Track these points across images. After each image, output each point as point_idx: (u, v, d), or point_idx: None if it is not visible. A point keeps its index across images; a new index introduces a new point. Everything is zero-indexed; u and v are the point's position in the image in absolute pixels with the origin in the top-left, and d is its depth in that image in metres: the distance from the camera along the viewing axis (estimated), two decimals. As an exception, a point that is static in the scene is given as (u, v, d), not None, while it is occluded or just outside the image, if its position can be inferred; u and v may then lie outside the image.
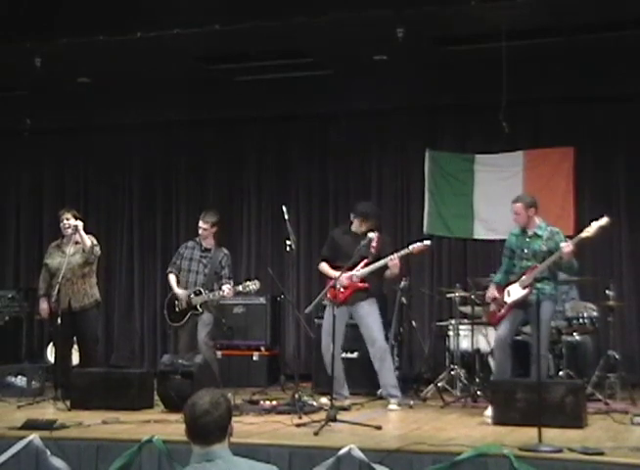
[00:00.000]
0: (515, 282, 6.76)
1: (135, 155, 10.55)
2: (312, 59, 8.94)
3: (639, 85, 8.55)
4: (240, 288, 7.66)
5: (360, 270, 7.13)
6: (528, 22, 7.72)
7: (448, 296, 8.22)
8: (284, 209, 7.10)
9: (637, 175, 8.89)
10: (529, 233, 6.80)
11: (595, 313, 7.80)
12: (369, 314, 7.13)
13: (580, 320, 7.73)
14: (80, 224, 7.47)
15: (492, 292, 6.91)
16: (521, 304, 6.68)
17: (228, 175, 10.21)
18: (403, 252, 7.09)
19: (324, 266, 7.40)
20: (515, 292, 6.73)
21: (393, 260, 7.02)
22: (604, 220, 6.42)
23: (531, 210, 6.79)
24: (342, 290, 7.05)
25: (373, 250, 7.12)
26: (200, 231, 7.93)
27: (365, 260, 7.14)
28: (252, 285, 7.66)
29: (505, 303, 6.78)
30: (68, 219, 7.54)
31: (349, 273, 7.09)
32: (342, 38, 8.19)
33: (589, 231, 6.43)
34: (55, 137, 10.64)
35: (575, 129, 9.05)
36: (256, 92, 9.60)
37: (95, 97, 9.90)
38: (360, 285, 7.12)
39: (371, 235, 6.90)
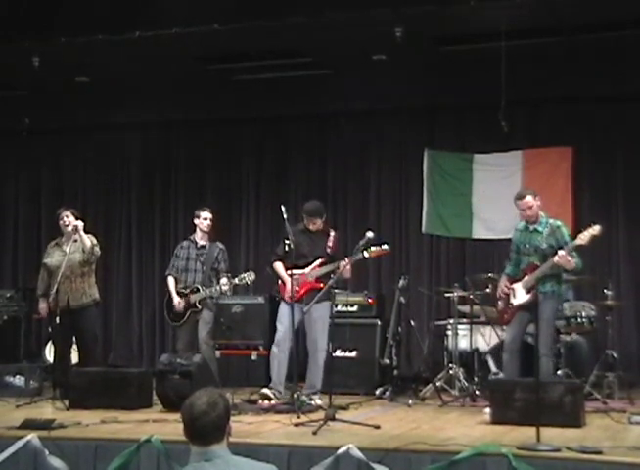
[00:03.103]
0: (520, 279, 6.76)
1: (134, 154, 10.55)
2: (311, 58, 8.94)
3: (638, 85, 8.55)
4: (236, 281, 7.65)
5: (316, 270, 7.06)
6: (528, 21, 7.72)
7: (447, 295, 8.22)
8: (282, 208, 7.11)
9: (636, 175, 8.90)
10: (531, 228, 6.79)
11: (593, 313, 7.80)
12: (321, 319, 6.92)
13: (579, 320, 7.73)
14: (80, 224, 7.47)
15: (503, 285, 6.88)
16: (525, 306, 6.67)
17: (227, 175, 10.21)
18: (358, 257, 6.91)
19: (279, 267, 7.20)
20: (519, 294, 6.74)
21: (347, 265, 6.87)
22: (597, 229, 6.41)
23: (538, 198, 6.78)
24: (296, 288, 7.01)
25: (329, 250, 7.11)
26: (206, 223, 7.89)
27: (321, 260, 7.10)
28: (248, 277, 7.64)
29: (511, 304, 6.78)
30: (67, 217, 7.55)
31: (303, 271, 7.06)
32: (340, 38, 8.18)
33: (583, 239, 6.42)
34: (53, 137, 10.64)
35: (574, 129, 9.05)
36: (255, 92, 9.59)
37: (94, 96, 9.89)
38: (316, 284, 6.99)
39: (369, 235, 6.87)
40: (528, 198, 6.76)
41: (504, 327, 7.18)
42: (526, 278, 6.70)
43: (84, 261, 7.55)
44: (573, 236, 6.67)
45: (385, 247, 7.13)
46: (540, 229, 6.75)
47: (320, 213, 7.23)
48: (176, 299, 7.82)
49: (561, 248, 6.54)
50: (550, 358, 6.57)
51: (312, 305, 6.70)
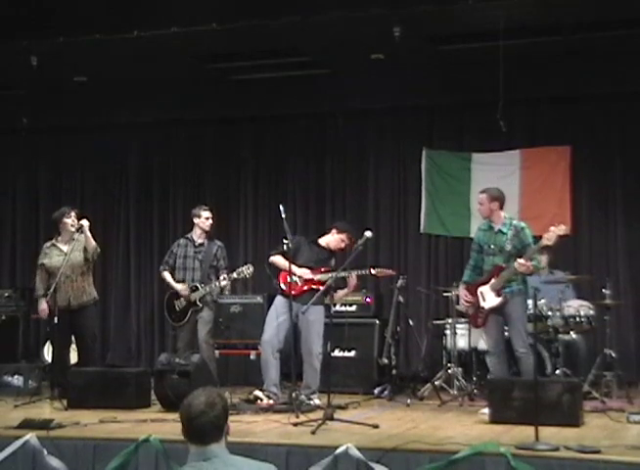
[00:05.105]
0: (486, 282, 6.74)
1: (132, 153, 10.55)
2: (309, 58, 8.95)
3: (636, 84, 8.55)
4: (234, 275, 7.63)
5: (319, 274, 7.07)
6: (526, 20, 7.72)
7: (445, 295, 8.23)
8: (281, 207, 7.11)
9: (634, 174, 8.90)
10: (495, 229, 6.79)
11: (592, 312, 7.79)
12: (317, 322, 6.97)
13: (577, 319, 7.72)
14: (86, 223, 7.50)
15: (463, 295, 6.91)
16: (497, 309, 6.70)
17: (225, 174, 10.21)
18: (364, 271, 7.14)
19: (279, 259, 7.16)
20: (489, 297, 6.72)
21: (351, 279, 7.08)
22: (563, 228, 6.41)
23: (495, 203, 6.79)
24: (298, 284, 7.02)
25: (330, 265, 7.12)
26: (208, 222, 7.89)
27: (324, 269, 7.10)
28: (246, 270, 7.63)
29: (482, 308, 6.77)
30: (74, 217, 7.56)
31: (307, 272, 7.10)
32: (339, 37, 8.19)
33: (549, 239, 6.41)
34: (51, 136, 10.63)
35: (572, 128, 9.06)
36: (254, 91, 9.60)
37: (92, 96, 9.88)
38: (316, 281, 7.01)
39: (368, 234, 6.86)
40: (483, 195, 6.82)
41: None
42: (493, 281, 6.68)
43: (86, 260, 7.56)
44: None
45: (390, 271, 7.43)
46: (505, 230, 6.74)
47: (352, 233, 7.24)
48: (179, 286, 7.79)
49: (524, 248, 6.58)
50: (529, 354, 6.55)
51: (309, 306, 6.69)
